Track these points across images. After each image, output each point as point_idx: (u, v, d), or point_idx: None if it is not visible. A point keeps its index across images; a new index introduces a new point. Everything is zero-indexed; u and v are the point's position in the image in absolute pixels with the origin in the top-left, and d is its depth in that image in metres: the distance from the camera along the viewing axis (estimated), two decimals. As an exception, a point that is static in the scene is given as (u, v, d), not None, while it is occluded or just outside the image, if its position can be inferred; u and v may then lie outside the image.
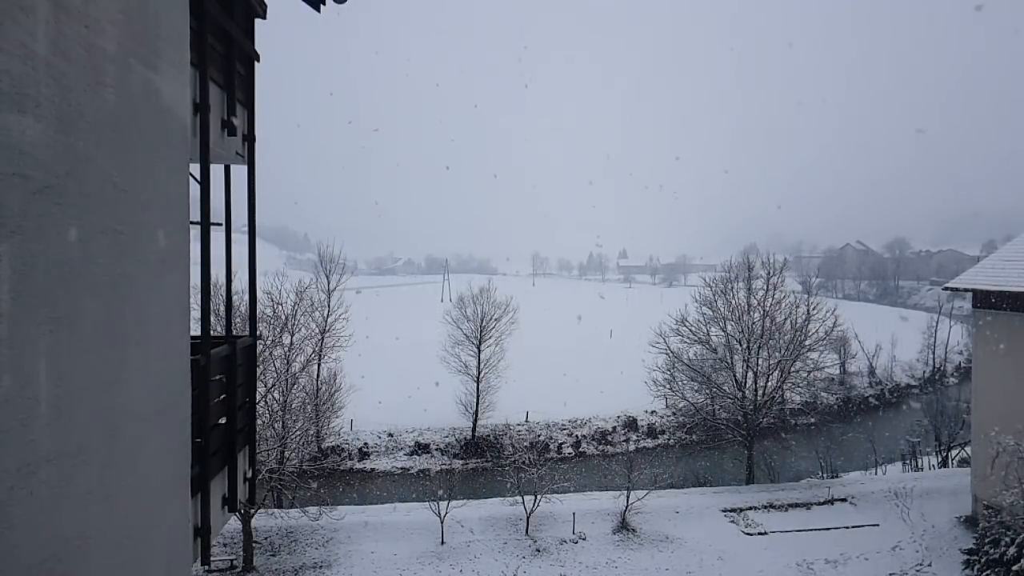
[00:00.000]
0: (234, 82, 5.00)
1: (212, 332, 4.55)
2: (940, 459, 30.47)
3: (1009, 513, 17.06)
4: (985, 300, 20.23)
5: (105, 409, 2.48)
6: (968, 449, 26.93)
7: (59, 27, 2.19)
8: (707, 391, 29.15)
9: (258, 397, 17.64)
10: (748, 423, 27.42)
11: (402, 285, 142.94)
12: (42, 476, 2.06)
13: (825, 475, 28.57)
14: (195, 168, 3.88)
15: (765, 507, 23.50)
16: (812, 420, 32.97)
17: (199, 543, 3.95)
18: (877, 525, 21.49)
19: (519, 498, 22.26)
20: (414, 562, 19.70)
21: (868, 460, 30.66)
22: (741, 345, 28.23)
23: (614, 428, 36.44)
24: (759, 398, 27.82)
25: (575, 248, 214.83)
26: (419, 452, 33.74)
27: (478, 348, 35.69)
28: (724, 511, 23.17)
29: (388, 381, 39.25)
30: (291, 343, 25.92)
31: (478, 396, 34.42)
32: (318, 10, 5.94)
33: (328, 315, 31.23)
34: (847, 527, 21.56)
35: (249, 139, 5.48)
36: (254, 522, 20.45)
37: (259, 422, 15.46)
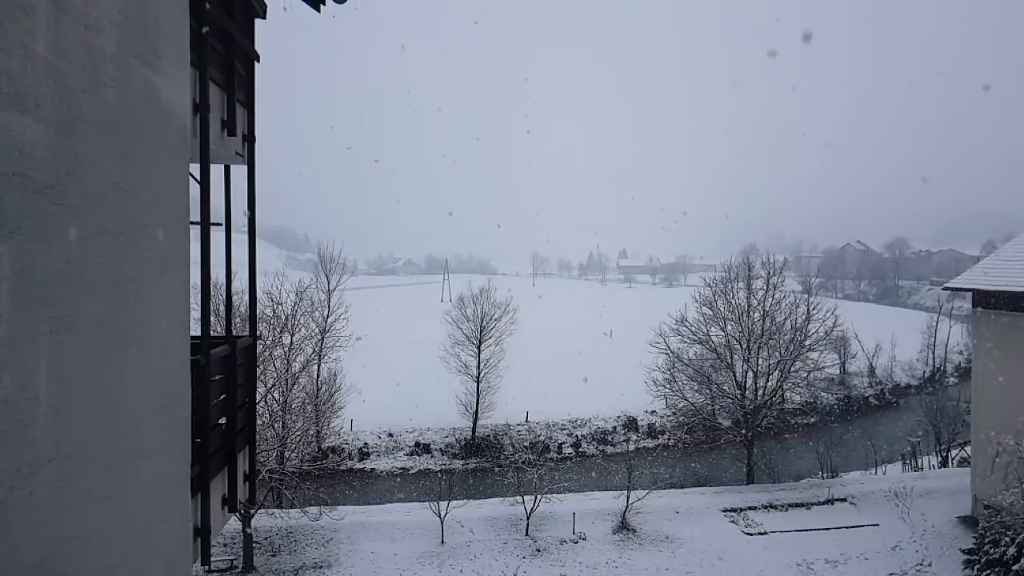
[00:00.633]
0: (234, 82, 5.00)
1: (212, 332, 4.55)
2: (940, 459, 30.46)
3: (1009, 513, 17.07)
4: (985, 300, 20.23)
5: (105, 409, 2.48)
6: (968, 449, 26.93)
7: (59, 27, 2.19)
8: (707, 391, 29.15)
9: (258, 397, 17.65)
10: (748, 423, 27.42)
11: (402, 285, 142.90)
12: (42, 476, 2.06)
13: (825, 475, 28.56)
14: (195, 168, 3.88)
15: (765, 507, 23.49)
16: (812, 420, 32.97)
17: (199, 543, 3.95)
18: (877, 525, 21.49)
19: (519, 498, 22.26)
20: (414, 562, 19.70)
21: (868, 460, 30.63)
22: (741, 345, 28.23)
23: (614, 428, 36.44)
24: (759, 398, 27.82)
25: (575, 248, 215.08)
26: (419, 452, 33.73)
27: (478, 348, 35.70)
28: (724, 511, 23.16)
29: (388, 381, 39.26)
30: (291, 343, 25.92)
31: (478, 396, 34.42)
32: (318, 10, 5.95)
33: (328, 315, 31.23)
34: (847, 527, 21.56)
35: (249, 139, 5.48)
36: (254, 522, 20.44)
37: (259, 422, 15.44)
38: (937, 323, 49.64)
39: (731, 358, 28.47)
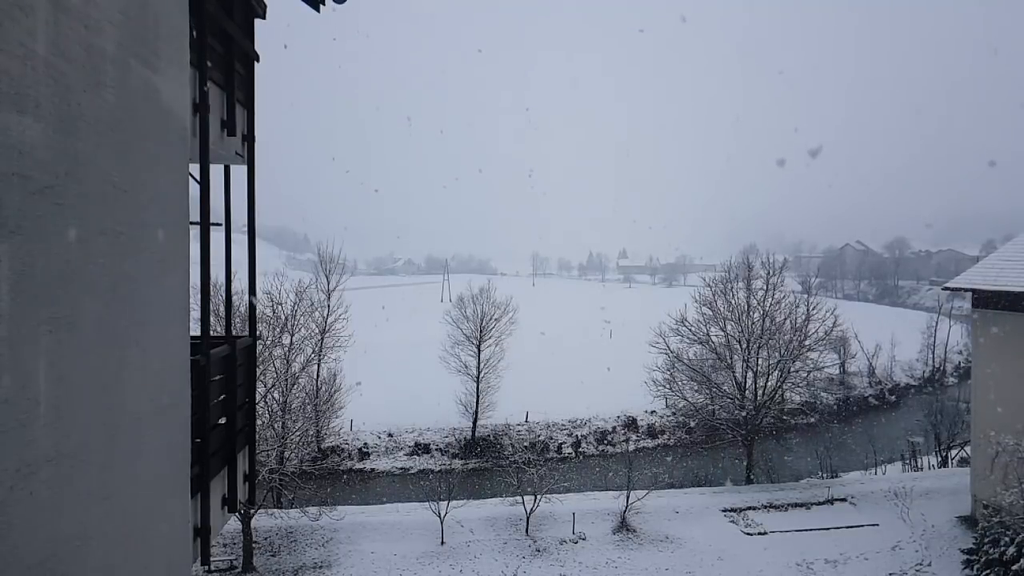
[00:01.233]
0: (234, 82, 5.00)
1: (212, 332, 4.55)
2: (940, 459, 30.47)
3: (1009, 513, 17.08)
4: (985, 300, 20.24)
5: (105, 409, 2.48)
6: (968, 449, 26.93)
7: (59, 27, 2.19)
8: (707, 391, 29.15)
9: (258, 397, 17.64)
10: (748, 423, 27.43)
11: (402, 285, 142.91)
12: (42, 476, 2.06)
13: (825, 475, 28.57)
14: (195, 168, 3.88)
15: (765, 507, 23.50)
16: (812, 420, 32.98)
17: (199, 543, 3.95)
18: (877, 525, 21.50)
19: (519, 498, 22.26)
20: (414, 562, 19.70)
21: (868, 460, 30.65)
22: (741, 345, 28.24)
23: (614, 428, 36.44)
24: (759, 398, 27.83)
25: (575, 248, 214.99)
26: (419, 452, 33.74)
27: (478, 348, 35.69)
28: (724, 511, 23.17)
29: (388, 381, 39.26)
30: (291, 343, 25.91)
31: (478, 396, 34.41)
32: (317, 10, 5.95)
33: (328, 315, 31.22)
34: (847, 527, 21.57)
35: (249, 139, 5.48)
36: (254, 522, 20.44)
37: (259, 422, 15.43)
38: (937, 323, 49.66)
39: (731, 358, 28.47)
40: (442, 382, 36.01)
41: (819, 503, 23.69)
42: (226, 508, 4.83)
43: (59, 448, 2.15)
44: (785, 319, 28.69)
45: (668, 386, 29.88)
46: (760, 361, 28.13)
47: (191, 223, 3.56)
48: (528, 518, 21.65)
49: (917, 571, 18.55)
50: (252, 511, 19.42)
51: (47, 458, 2.09)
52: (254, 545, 20.13)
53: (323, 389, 28.02)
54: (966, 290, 21.50)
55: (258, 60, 5.63)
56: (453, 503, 21.61)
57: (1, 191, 1.91)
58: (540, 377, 40.96)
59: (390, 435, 34.34)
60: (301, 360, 26.33)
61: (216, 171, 4.63)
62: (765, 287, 29.28)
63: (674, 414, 32.84)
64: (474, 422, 34.32)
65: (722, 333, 28.90)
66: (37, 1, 2.07)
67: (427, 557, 20.02)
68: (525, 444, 33.23)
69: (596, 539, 21.16)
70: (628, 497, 22.36)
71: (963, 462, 28.65)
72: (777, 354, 28.13)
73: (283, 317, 26.51)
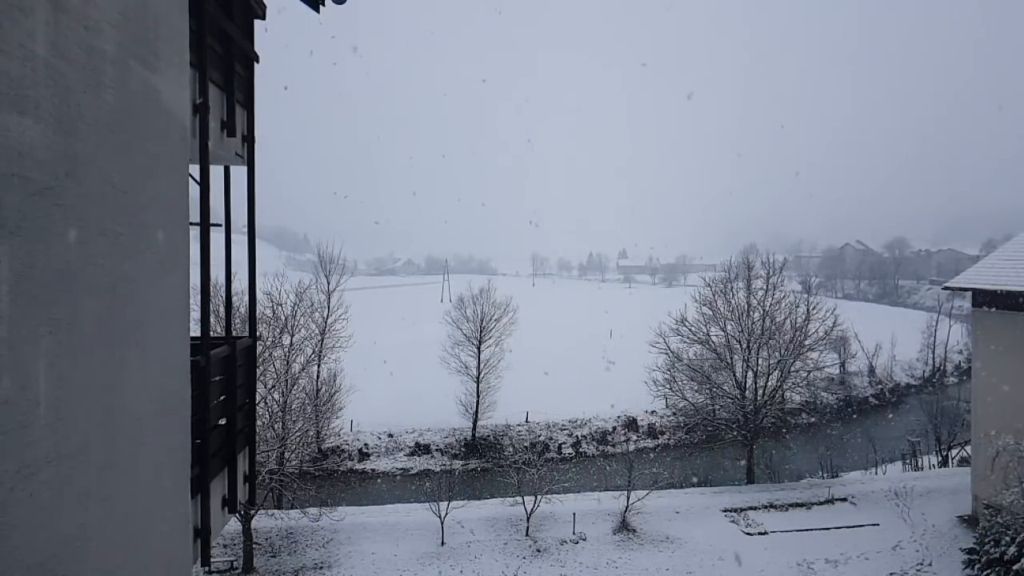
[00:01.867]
0: (233, 83, 5.00)
1: (212, 333, 4.55)
2: (940, 459, 30.47)
3: (1009, 512, 17.07)
4: (985, 299, 20.23)
5: (105, 410, 2.48)
6: (968, 449, 26.92)
7: (58, 28, 2.19)
8: (707, 391, 29.14)
9: (258, 398, 17.63)
10: (748, 423, 27.42)
11: (402, 286, 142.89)
12: (42, 477, 2.06)
13: (825, 475, 28.57)
14: (194, 169, 3.88)
15: (765, 507, 23.50)
16: (812, 420, 32.98)
17: (199, 544, 3.94)
18: (877, 525, 21.49)
19: (519, 498, 22.25)
20: (414, 563, 19.69)
21: (868, 460, 30.65)
22: (741, 345, 28.23)
23: (614, 428, 36.44)
24: (759, 398, 27.83)
25: (575, 248, 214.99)
26: (419, 453, 33.73)
27: (478, 348, 35.69)
28: (724, 511, 23.16)
29: (388, 381, 39.25)
30: (291, 344, 25.92)
31: (478, 396, 34.41)
32: (317, 10, 5.95)
33: (328, 316, 31.22)
34: (847, 527, 21.56)
35: (248, 140, 5.48)
36: (254, 523, 20.44)
37: (259, 423, 15.43)
38: (937, 323, 49.66)
39: (731, 358, 28.47)
40: (442, 382, 36.01)
41: (819, 503, 23.69)
42: (226, 509, 4.83)
43: (59, 449, 2.15)
44: (785, 319, 28.69)
45: (668, 386, 29.87)
46: (760, 361, 28.13)
47: (191, 224, 3.56)
48: (528, 518, 21.64)
49: (918, 571, 18.54)
50: (252, 512, 19.42)
51: (47, 459, 2.09)
52: (254, 546, 20.12)
53: (323, 390, 28.02)
54: (966, 290, 21.50)
55: (258, 61, 5.63)
56: (453, 504, 21.60)
57: (1, 192, 1.91)
58: (540, 377, 40.95)
59: (390, 436, 34.32)
60: (301, 361, 26.34)
61: (216, 172, 4.63)
62: (765, 287, 29.28)
63: (674, 414, 32.81)
64: (474, 422, 34.32)
65: (722, 333, 28.90)
66: (37, 2, 2.07)
67: (427, 558, 20.01)
68: (525, 444, 33.22)
69: (596, 539, 21.15)
70: (628, 497, 22.35)
71: (963, 462, 28.65)
72: (777, 354, 28.13)
73: (283, 318, 26.52)
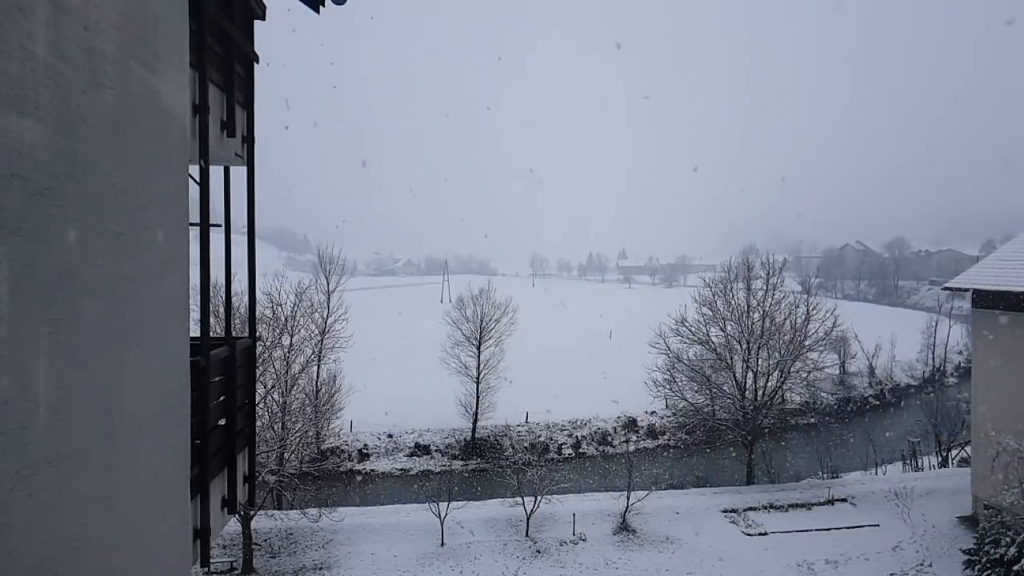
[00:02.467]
0: (233, 83, 5.00)
1: (212, 333, 4.55)
2: (940, 459, 30.46)
3: (1009, 513, 17.06)
4: (984, 300, 20.22)
5: (104, 411, 2.48)
6: (968, 449, 26.92)
7: (58, 29, 2.19)
8: (707, 391, 29.14)
9: (257, 398, 17.63)
10: (748, 423, 27.42)
11: (402, 286, 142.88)
12: (41, 478, 2.06)
13: (825, 475, 28.56)
14: (194, 169, 3.88)
15: (765, 507, 23.49)
16: (812, 420, 32.97)
17: (198, 545, 3.94)
18: (877, 525, 21.48)
19: (519, 499, 22.24)
20: (414, 563, 19.68)
21: (868, 460, 30.64)
22: (741, 345, 28.23)
23: (614, 429, 36.43)
24: (759, 398, 27.82)
25: (575, 248, 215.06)
26: (419, 453, 33.72)
27: (478, 349, 35.69)
28: (724, 512, 23.15)
29: (388, 382, 39.24)
30: (290, 344, 25.90)
31: (478, 397, 34.41)
32: (317, 11, 5.95)
33: (328, 316, 31.21)
34: (847, 527, 21.55)
35: (248, 140, 5.48)
36: (254, 524, 20.43)
37: (258, 423, 15.44)
38: (937, 323, 49.63)
39: (731, 358, 28.46)
40: (442, 383, 36.01)
41: (819, 503, 23.67)
42: (226, 509, 4.83)
43: (59, 449, 2.15)
44: (785, 319, 28.68)
45: (668, 386, 29.87)
46: (760, 361, 28.13)
47: (191, 224, 3.56)
48: (528, 519, 21.63)
49: (918, 571, 18.53)
50: (252, 512, 19.41)
51: (47, 460, 2.09)
52: (254, 546, 20.11)
53: (323, 390, 28.00)
54: (966, 290, 21.48)
55: (258, 61, 5.63)
56: (453, 504, 21.59)
57: (1, 192, 1.91)
58: (540, 378, 40.95)
59: (390, 436, 34.31)
60: (301, 361, 26.32)
61: (216, 172, 4.63)
62: (765, 287, 29.28)
63: (674, 415, 32.80)
64: (474, 423, 34.31)
65: (722, 333, 28.90)
66: (37, 2, 2.07)
67: (427, 558, 20.00)
68: (525, 445, 33.24)
69: (596, 540, 21.14)
70: (628, 498, 22.34)
71: (964, 462, 28.63)
72: (777, 354, 28.12)
73: (283, 318, 26.50)
